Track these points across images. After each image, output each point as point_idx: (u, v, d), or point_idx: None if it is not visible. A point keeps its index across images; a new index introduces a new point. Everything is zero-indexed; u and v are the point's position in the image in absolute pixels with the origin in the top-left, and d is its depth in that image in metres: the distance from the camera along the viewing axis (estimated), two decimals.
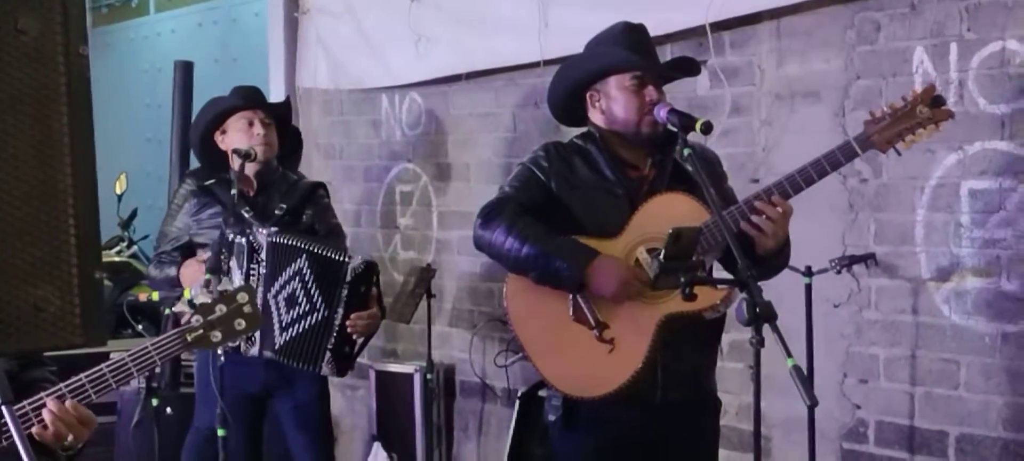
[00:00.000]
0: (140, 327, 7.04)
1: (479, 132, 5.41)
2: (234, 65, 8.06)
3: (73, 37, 1.57)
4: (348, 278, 4.03)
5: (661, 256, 2.72)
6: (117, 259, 7.96)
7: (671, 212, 2.97)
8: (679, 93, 4.10)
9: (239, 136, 4.12)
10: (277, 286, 4.03)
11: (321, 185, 4.42)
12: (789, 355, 2.50)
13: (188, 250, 4.22)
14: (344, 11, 5.87)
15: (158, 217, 4.91)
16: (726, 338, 3.65)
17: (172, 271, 4.20)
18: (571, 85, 3.20)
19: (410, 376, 5.42)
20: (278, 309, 4.03)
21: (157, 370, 3.80)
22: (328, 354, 4.04)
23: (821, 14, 4.11)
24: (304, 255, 4.02)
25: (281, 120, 4.29)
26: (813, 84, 4.13)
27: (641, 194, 3.08)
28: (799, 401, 2.53)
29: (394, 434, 5.49)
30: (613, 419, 3.05)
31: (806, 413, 3.84)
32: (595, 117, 3.17)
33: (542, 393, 4.11)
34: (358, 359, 4.24)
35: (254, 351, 4.00)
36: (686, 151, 2.87)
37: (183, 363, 5.01)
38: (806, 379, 2.55)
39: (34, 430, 2.45)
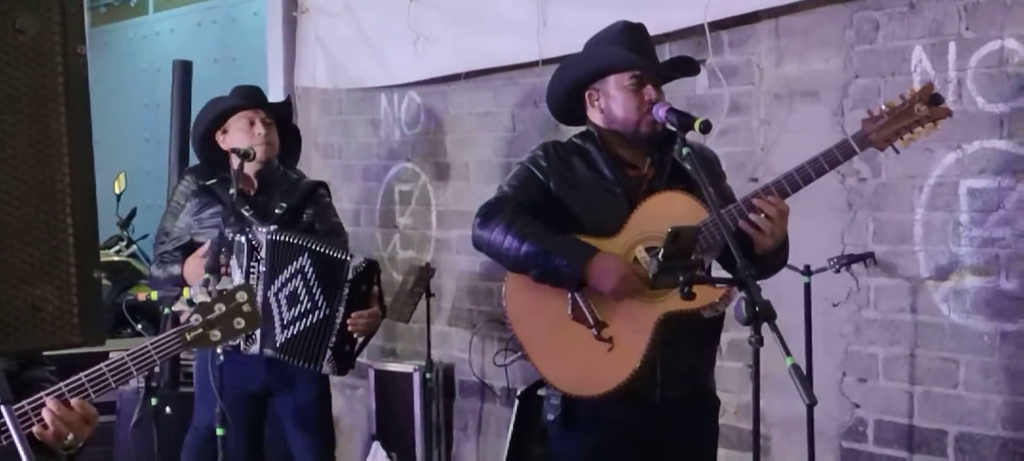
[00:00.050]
0: (139, 326, 7.04)
1: (478, 131, 5.41)
2: (233, 65, 8.06)
3: (71, 37, 1.57)
4: (350, 277, 4.03)
5: (660, 255, 2.72)
6: (116, 259, 7.96)
7: (670, 211, 2.97)
8: (678, 92, 4.10)
9: (240, 136, 4.12)
10: (278, 284, 4.03)
11: (322, 184, 4.42)
12: (788, 354, 2.50)
13: (190, 249, 4.22)
14: (343, 10, 5.87)
15: (157, 216, 4.91)
16: (725, 337, 3.65)
17: (176, 269, 4.20)
18: (570, 84, 3.20)
19: (409, 375, 5.42)
20: (279, 307, 4.03)
21: (156, 369, 3.80)
22: (329, 353, 4.05)
23: (820, 13, 4.11)
24: (306, 253, 4.02)
25: (282, 120, 4.30)
26: (812, 83, 4.13)
27: (640, 193, 3.08)
28: (798, 400, 2.53)
29: (393, 433, 5.50)
30: (612, 418, 3.05)
31: (805, 412, 3.85)
32: (594, 116, 3.17)
33: (541, 392, 4.11)
34: (357, 358, 4.24)
35: (254, 349, 4.00)
36: (685, 150, 2.88)
37: (182, 362, 5.02)
38: (805, 378, 2.55)
39: (34, 430, 2.45)
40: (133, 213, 8.20)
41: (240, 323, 2.71)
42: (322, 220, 4.25)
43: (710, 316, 3.01)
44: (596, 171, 3.12)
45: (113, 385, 2.55)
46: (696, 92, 4.44)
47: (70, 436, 2.47)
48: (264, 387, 4.18)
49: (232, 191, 3.96)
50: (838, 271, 3.94)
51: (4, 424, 2.05)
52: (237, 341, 3.76)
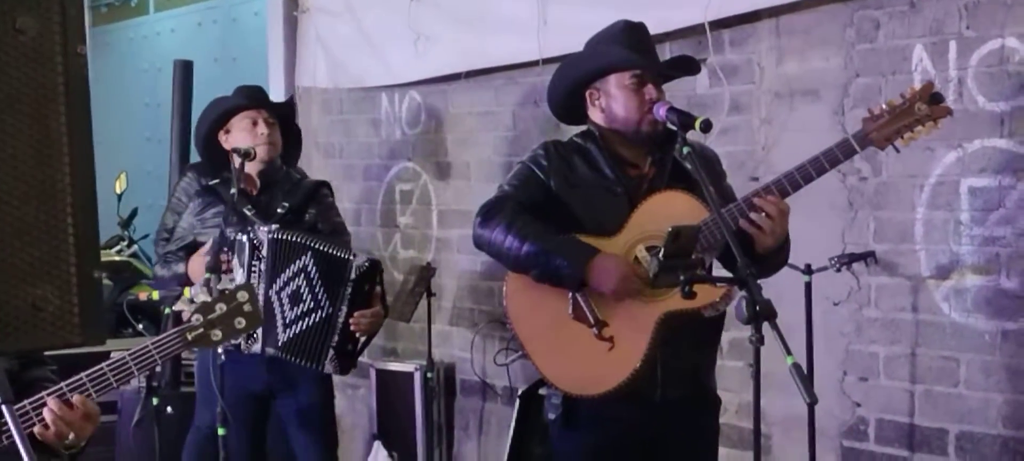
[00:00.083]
0: (140, 326, 7.04)
1: (479, 130, 5.41)
2: (234, 64, 8.07)
3: (71, 37, 1.57)
4: (353, 276, 4.04)
5: (660, 254, 2.72)
6: (117, 258, 7.97)
7: (670, 210, 2.97)
8: (678, 91, 4.09)
9: (243, 135, 4.13)
10: (280, 283, 4.03)
11: (325, 184, 4.42)
12: (789, 353, 2.50)
13: (194, 249, 4.23)
14: (343, 10, 5.87)
15: (158, 216, 4.91)
16: (726, 336, 3.65)
17: (180, 268, 4.22)
18: (571, 83, 3.20)
19: (410, 375, 5.43)
20: (281, 306, 4.03)
21: (157, 369, 3.80)
22: (331, 352, 4.05)
23: (820, 12, 4.11)
24: (309, 252, 4.02)
25: (284, 119, 4.30)
26: (812, 82, 4.13)
27: (641, 192, 3.08)
28: (799, 399, 2.53)
29: (394, 433, 5.50)
30: (613, 417, 3.05)
31: (806, 411, 3.84)
32: (595, 115, 3.17)
33: (542, 391, 4.11)
34: (359, 358, 4.24)
35: (256, 348, 4.01)
36: (685, 149, 2.88)
37: (184, 362, 5.02)
38: (806, 377, 2.55)
39: (36, 430, 2.45)
40: (134, 213, 8.21)
41: (241, 323, 2.72)
42: (325, 220, 4.25)
43: (711, 315, 3.01)
44: (597, 170, 3.12)
45: (114, 385, 2.55)
46: (697, 91, 4.44)
47: (71, 435, 2.47)
48: (266, 387, 4.18)
49: (232, 190, 3.96)
50: (839, 270, 3.94)
51: (5, 424, 2.06)
52: (238, 341, 3.77)
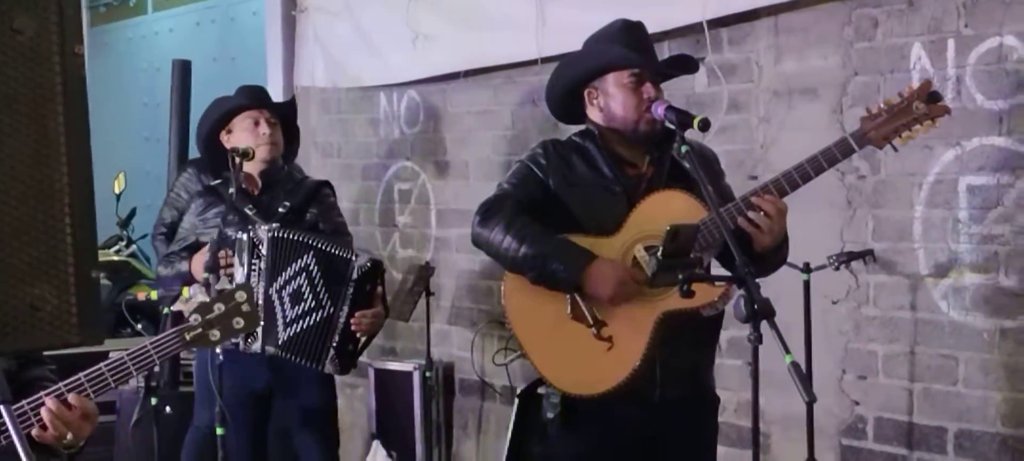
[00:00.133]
0: (139, 326, 7.04)
1: (477, 130, 5.41)
2: (232, 64, 8.06)
3: (69, 37, 1.57)
4: (355, 276, 4.03)
5: (659, 253, 2.72)
6: (116, 258, 7.96)
7: (669, 209, 2.97)
8: (677, 90, 4.10)
9: (245, 135, 4.13)
10: (281, 281, 4.02)
11: (326, 183, 4.42)
12: (787, 351, 2.50)
13: (197, 249, 4.23)
14: (342, 9, 5.87)
15: (156, 216, 4.92)
16: (724, 335, 3.65)
17: (183, 266, 4.22)
18: (569, 82, 3.20)
19: (409, 374, 5.43)
20: (282, 305, 4.03)
21: (156, 369, 3.80)
22: (332, 352, 4.04)
23: (819, 11, 4.11)
24: (311, 252, 4.02)
25: (286, 119, 4.30)
26: (811, 81, 4.14)
27: (639, 192, 3.08)
28: (798, 398, 2.53)
29: (393, 432, 5.50)
30: (611, 417, 3.05)
31: (805, 409, 3.84)
32: (593, 114, 3.17)
33: (541, 391, 4.11)
34: (359, 357, 4.24)
35: (256, 347, 4.00)
36: (684, 148, 2.88)
37: (182, 362, 5.02)
38: (804, 376, 2.55)
39: (33, 432, 2.44)
40: (133, 213, 8.20)
41: (239, 323, 2.71)
42: (326, 219, 4.25)
43: (709, 314, 3.00)
44: (595, 169, 3.12)
45: (112, 385, 2.55)
46: (695, 90, 4.44)
47: (70, 435, 2.47)
48: (267, 386, 4.17)
49: (231, 190, 3.96)
50: (838, 268, 3.94)
51: (3, 424, 2.05)
52: (236, 341, 3.77)
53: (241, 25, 8.24)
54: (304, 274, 4.02)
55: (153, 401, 4.41)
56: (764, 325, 2.57)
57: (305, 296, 4.02)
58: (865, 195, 4.01)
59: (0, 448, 2.36)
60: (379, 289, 4.14)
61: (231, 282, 3.68)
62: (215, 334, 2.68)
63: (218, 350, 3.76)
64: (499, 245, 3.05)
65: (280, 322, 4.02)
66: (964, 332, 3.78)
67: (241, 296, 2.72)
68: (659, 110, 3.00)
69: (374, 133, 5.97)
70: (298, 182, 4.30)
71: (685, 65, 3.25)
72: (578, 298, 3.02)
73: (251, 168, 4.16)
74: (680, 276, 2.65)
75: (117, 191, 8.04)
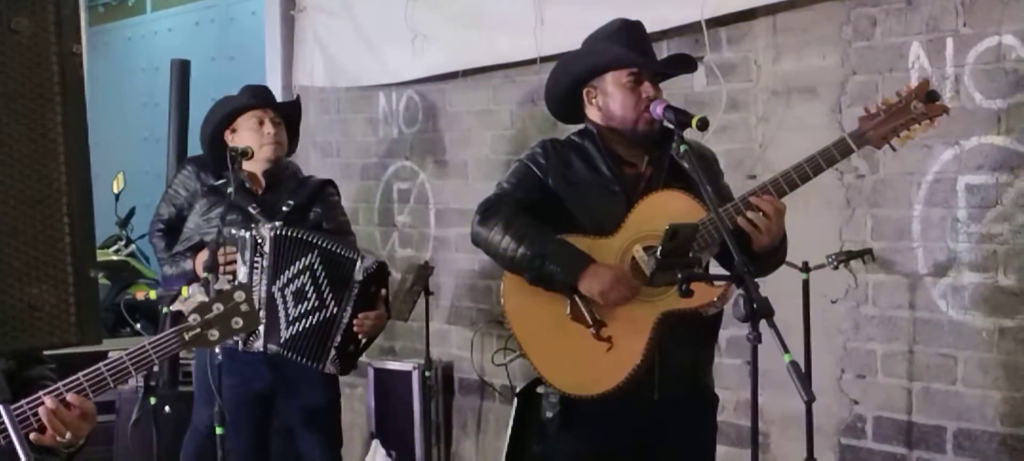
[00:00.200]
0: (138, 326, 7.04)
1: (477, 129, 5.41)
2: (231, 63, 8.06)
3: (66, 36, 1.56)
4: (360, 277, 4.03)
5: (658, 253, 2.72)
6: (115, 258, 7.96)
7: (668, 209, 2.97)
8: (676, 90, 4.10)
9: (249, 135, 4.14)
10: (284, 280, 4.02)
11: (329, 182, 4.42)
12: (786, 351, 2.50)
13: (201, 248, 4.23)
14: (341, 9, 5.87)
15: None
16: (723, 334, 3.65)
17: (187, 265, 4.23)
18: (568, 82, 3.20)
19: (408, 374, 5.43)
20: (285, 303, 4.02)
21: (155, 369, 3.80)
22: (333, 352, 4.04)
23: (817, 10, 4.11)
24: (315, 251, 4.02)
25: (290, 119, 4.31)
26: (809, 80, 4.14)
27: (638, 191, 3.08)
28: (797, 397, 2.53)
29: (393, 432, 5.50)
30: (610, 416, 3.05)
31: (804, 409, 3.84)
32: (592, 114, 3.17)
33: (540, 390, 4.11)
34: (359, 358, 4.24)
35: (258, 345, 4.00)
36: (683, 148, 2.88)
37: (181, 362, 5.02)
38: (803, 375, 2.55)
39: (32, 436, 2.44)
40: (132, 212, 8.20)
41: (238, 322, 2.71)
42: (329, 218, 4.25)
43: (709, 314, 3.01)
44: (594, 169, 3.12)
45: (112, 385, 2.54)
46: (694, 89, 4.44)
47: (68, 435, 2.46)
48: (269, 386, 4.17)
49: (230, 190, 3.97)
50: (837, 268, 3.94)
51: (3, 424, 2.05)
52: (235, 340, 3.77)
53: (240, 25, 8.24)
54: (308, 273, 4.02)
55: (152, 401, 4.41)
56: (763, 324, 2.57)
57: (308, 295, 4.02)
58: (864, 194, 4.01)
59: (0, 448, 2.36)
60: (383, 292, 4.14)
61: (234, 280, 3.69)
62: (214, 334, 2.68)
63: (217, 350, 3.75)
64: (498, 245, 3.05)
65: (282, 320, 4.02)
66: (963, 331, 3.78)
67: (240, 296, 2.71)
68: (658, 109, 3.00)
69: (373, 133, 5.97)
70: (302, 181, 4.31)
71: (684, 64, 3.25)
72: (577, 298, 3.02)
73: (255, 167, 4.16)
74: (679, 276, 2.65)
75: (116, 191, 8.04)
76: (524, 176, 3.16)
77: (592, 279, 2.95)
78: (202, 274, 3.85)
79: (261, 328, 3.94)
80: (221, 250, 3.94)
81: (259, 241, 4.01)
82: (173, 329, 2.65)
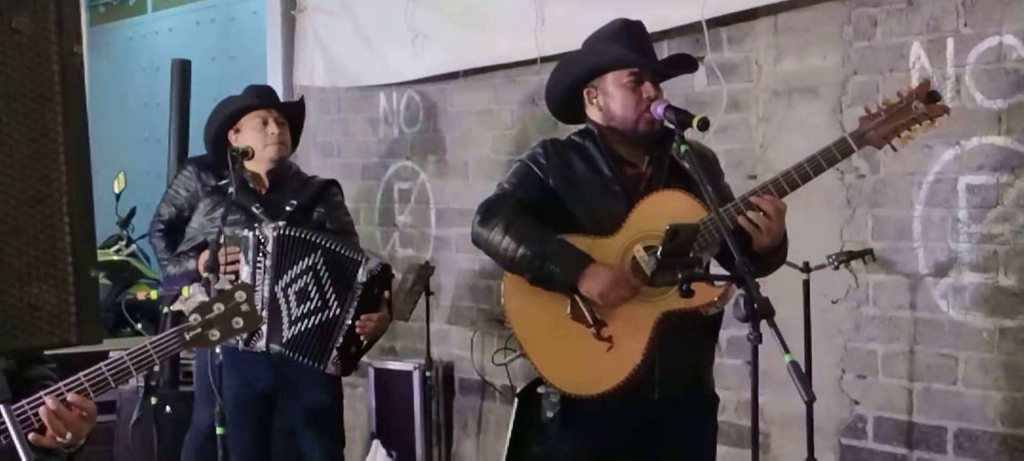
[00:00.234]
0: (139, 326, 7.04)
1: (477, 129, 5.41)
2: (231, 63, 8.06)
3: (67, 36, 1.56)
4: (364, 279, 4.03)
5: (658, 253, 2.72)
6: (116, 258, 7.95)
7: (668, 209, 2.97)
8: (676, 90, 4.10)
9: (253, 135, 4.15)
10: (287, 279, 4.02)
11: (333, 182, 4.42)
12: (786, 351, 2.50)
13: (204, 248, 4.23)
14: (341, 9, 5.87)
15: None
16: (724, 334, 3.65)
17: (190, 265, 4.24)
18: (569, 82, 3.20)
19: (409, 374, 5.43)
20: (288, 303, 4.03)
21: (156, 369, 3.80)
22: (335, 353, 4.04)
23: (818, 10, 4.11)
24: (319, 251, 4.02)
25: (294, 119, 4.31)
26: (810, 80, 4.14)
27: (639, 191, 3.08)
28: (797, 397, 2.53)
29: (393, 432, 5.50)
30: (611, 416, 3.05)
31: (804, 409, 3.84)
32: (593, 114, 3.17)
33: (540, 390, 4.11)
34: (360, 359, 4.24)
35: (261, 345, 4.01)
36: (683, 148, 2.88)
37: (182, 362, 5.02)
38: (804, 375, 2.55)
39: (31, 436, 2.44)
40: (133, 212, 8.20)
41: (239, 322, 2.71)
42: (333, 218, 4.26)
43: (709, 314, 3.01)
44: (595, 169, 3.12)
45: (112, 385, 2.55)
46: (694, 89, 4.44)
47: (68, 435, 2.46)
48: (271, 386, 4.17)
49: (231, 190, 3.97)
50: (837, 268, 3.94)
51: (3, 424, 2.05)
52: (236, 340, 3.77)
53: (241, 25, 8.24)
54: (311, 273, 4.02)
55: (153, 401, 4.40)
56: (764, 324, 2.57)
57: (311, 295, 4.02)
58: (865, 194, 4.01)
59: (0, 448, 2.36)
60: (386, 294, 4.14)
61: (237, 279, 3.69)
62: (215, 334, 2.68)
63: (217, 350, 3.75)
64: (498, 245, 3.05)
65: (285, 320, 4.02)
66: (963, 331, 3.78)
67: (240, 296, 2.71)
68: (658, 109, 3.00)
69: (374, 133, 5.97)
70: (305, 181, 4.31)
71: (684, 64, 3.25)
72: (578, 298, 3.02)
73: (259, 167, 4.17)
74: (680, 276, 2.65)
75: (117, 191, 8.04)
76: (524, 176, 3.16)
77: (591, 279, 2.95)
78: (203, 274, 3.85)
79: (264, 328, 3.95)
80: (224, 250, 3.95)
81: (262, 241, 4.01)
82: (174, 329, 2.65)
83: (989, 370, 3.73)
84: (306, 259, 4.02)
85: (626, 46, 3.11)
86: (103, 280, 7.27)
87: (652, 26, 3.34)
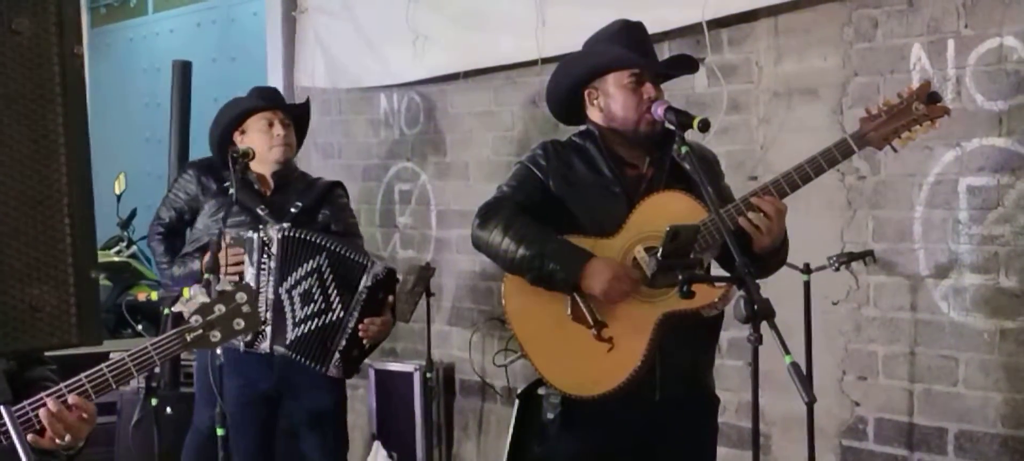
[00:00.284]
0: (139, 327, 7.04)
1: (478, 130, 5.41)
2: (232, 65, 8.06)
3: (68, 37, 1.57)
4: (369, 283, 4.03)
5: (659, 254, 2.72)
6: (116, 259, 7.95)
7: (669, 210, 2.97)
8: (677, 91, 4.10)
9: (259, 136, 4.15)
10: (291, 281, 4.02)
11: (338, 184, 4.42)
12: (787, 352, 2.50)
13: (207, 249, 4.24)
14: (342, 10, 5.87)
15: None
16: (724, 336, 3.65)
17: (194, 265, 4.23)
18: (569, 83, 3.20)
19: (410, 375, 5.43)
20: (292, 304, 4.02)
21: (157, 370, 3.80)
22: (337, 355, 4.04)
23: (819, 11, 4.11)
24: (324, 253, 4.02)
25: (298, 120, 4.31)
26: (811, 81, 4.14)
27: (639, 192, 3.08)
28: (798, 398, 2.53)
29: (394, 433, 5.50)
30: (611, 417, 3.05)
31: (805, 410, 3.84)
32: (593, 115, 3.17)
33: (541, 391, 4.11)
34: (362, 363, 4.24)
35: (265, 346, 4.00)
36: (684, 149, 2.88)
37: (183, 363, 5.02)
38: (804, 376, 2.55)
39: (29, 437, 2.44)
40: (133, 213, 8.20)
41: (240, 323, 2.71)
42: (338, 220, 4.26)
43: (709, 315, 3.01)
44: (595, 170, 3.12)
45: (113, 386, 2.55)
46: (695, 90, 4.44)
47: (68, 437, 2.46)
48: (274, 387, 4.17)
49: (231, 191, 3.97)
50: (838, 269, 3.94)
51: (3, 425, 2.06)
52: (237, 342, 3.77)
53: (241, 26, 8.24)
54: (315, 275, 4.02)
55: (153, 402, 4.40)
56: (764, 326, 2.57)
57: (315, 297, 4.02)
58: (865, 196, 4.01)
59: (0, 448, 2.36)
60: (390, 298, 4.14)
61: (241, 280, 3.69)
62: (216, 335, 2.68)
63: (218, 351, 3.75)
64: (498, 247, 3.05)
65: (289, 322, 4.02)
66: (964, 333, 3.78)
67: (242, 297, 2.71)
68: (659, 111, 3.00)
69: (374, 134, 5.97)
70: (310, 183, 4.31)
71: (685, 65, 3.25)
72: (578, 299, 3.02)
73: (264, 169, 4.17)
74: (680, 277, 2.65)
75: (118, 192, 8.03)
76: (524, 178, 3.16)
77: (593, 275, 2.95)
78: (204, 275, 3.85)
79: (268, 329, 3.95)
80: (226, 251, 3.95)
81: (267, 242, 4.01)
82: (175, 330, 2.65)
83: (990, 371, 3.73)
84: (310, 261, 4.02)
85: (627, 47, 3.12)
86: (104, 281, 7.26)
87: (653, 27, 3.34)
